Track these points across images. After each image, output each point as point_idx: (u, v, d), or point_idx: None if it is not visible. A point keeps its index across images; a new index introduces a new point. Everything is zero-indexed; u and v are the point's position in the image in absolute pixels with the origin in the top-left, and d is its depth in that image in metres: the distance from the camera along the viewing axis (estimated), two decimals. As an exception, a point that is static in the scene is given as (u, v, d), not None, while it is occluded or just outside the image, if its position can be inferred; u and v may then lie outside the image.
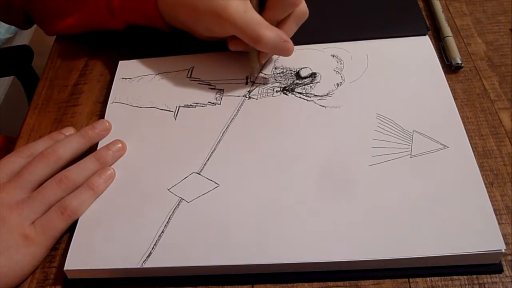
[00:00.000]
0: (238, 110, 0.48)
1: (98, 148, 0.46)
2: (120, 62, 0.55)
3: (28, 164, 0.43)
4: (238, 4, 0.45)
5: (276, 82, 0.50)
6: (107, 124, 0.48)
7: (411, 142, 0.43)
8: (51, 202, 0.42)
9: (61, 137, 0.47)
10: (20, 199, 0.41)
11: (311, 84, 0.50)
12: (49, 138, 0.47)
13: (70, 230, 0.42)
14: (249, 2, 0.46)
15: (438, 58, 0.50)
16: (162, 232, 0.40)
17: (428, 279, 0.37)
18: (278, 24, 0.48)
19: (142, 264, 0.38)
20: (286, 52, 0.48)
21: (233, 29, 0.46)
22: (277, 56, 0.53)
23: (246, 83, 0.51)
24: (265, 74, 0.51)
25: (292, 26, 0.49)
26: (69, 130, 0.48)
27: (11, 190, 0.42)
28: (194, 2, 0.47)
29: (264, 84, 0.50)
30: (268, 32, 0.45)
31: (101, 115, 0.50)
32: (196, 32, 0.51)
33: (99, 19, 0.54)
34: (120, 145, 0.46)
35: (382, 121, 0.45)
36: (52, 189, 0.42)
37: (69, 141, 0.45)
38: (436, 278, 0.37)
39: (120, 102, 0.51)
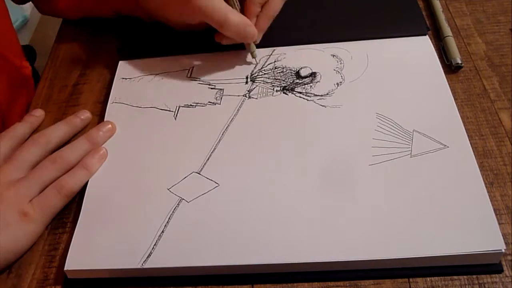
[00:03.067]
0: (238, 110, 0.48)
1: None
2: (120, 62, 0.55)
3: (24, 147, 0.45)
4: None
5: (276, 82, 0.50)
6: (111, 125, 0.49)
7: (411, 142, 0.43)
8: (47, 181, 0.43)
9: (77, 121, 0.50)
10: (16, 179, 0.43)
11: (311, 84, 0.50)
12: (65, 124, 0.49)
13: (70, 230, 0.43)
14: None
15: (438, 58, 0.50)
16: (162, 232, 0.40)
17: (428, 279, 0.37)
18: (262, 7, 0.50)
19: (142, 265, 0.38)
20: (250, 38, 0.49)
21: (201, 15, 0.47)
22: (278, 56, 0.53)
23: (246, 82, 0.51)
24: (265, 74, 0.51)
25: (277, 2, 0.50)
26: (85, 113, 0.51)
27: (7, 171, 0.43)
28: None
29: (264, 83, 0.50)
30: (233, 15, 0.47)
31: (101, 115, 0.50)
32: (169, 20, 0.53)
33: (86, 5, 0.56)
34: (110, 126, 0.48)
35: (382, 120, 0.45)
36: (47, 168, 0.44)
37: (74, 145, 0.47)
38: (436, 278, 0.37)
39: (120, 102, 0.51)
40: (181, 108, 0.49)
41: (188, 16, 0.50)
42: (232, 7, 0.49)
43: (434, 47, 0.51)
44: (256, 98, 0.49)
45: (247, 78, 0.51)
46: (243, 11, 0.50)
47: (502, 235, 0.37)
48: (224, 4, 0.48)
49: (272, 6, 0.50)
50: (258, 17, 0.50)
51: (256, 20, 0.50)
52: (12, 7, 0.60)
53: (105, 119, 0.49)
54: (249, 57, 0.52)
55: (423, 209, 0.39)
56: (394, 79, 0.49)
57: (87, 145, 0.46)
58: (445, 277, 0.37)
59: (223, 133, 0.47)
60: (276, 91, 0.50)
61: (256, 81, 0.51)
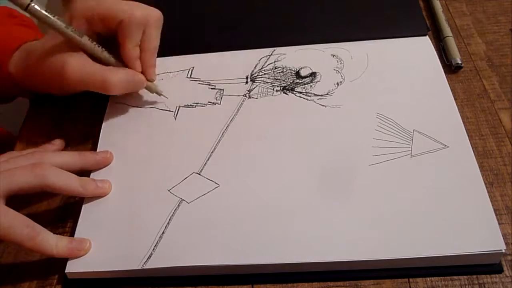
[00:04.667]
0: (238, 110, 0.48)
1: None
2: (120, 62, 0.55)
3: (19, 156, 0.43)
4: (76, 61, 0.45)
5: (276, 82, 0.50)
6: (109, 155, 0.46)
7: (411, 142, 0.43)
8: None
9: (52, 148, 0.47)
10: None
11: (311, 84, 0.50)
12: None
13: (70, 230, 0.43)
14: (84, 55, 0.46)
15: (438, 58, 0.50)
16: (163, 233, 0.40)
17: (428, 279, 0.37)
18: (141, 41, 0.47)
19: (142, 266, 0.38)
20: (139, 85, 0.48)
21: (81, 85, 0.46)
22: (278, 56, 0.53)
23: (246, 82, 0.51)
24: (265, 74, 0.51)
25: (155, 33, 0.48)
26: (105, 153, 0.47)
27: None
28: (37, 67, 0.46)
29: (264, 83, 0.50)
30: (115, 74, 0.46)
31: (101, 115, 0.50)
32: (53, 92, 0.51)
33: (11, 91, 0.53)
34: (107, 154, 0.46)
35: (382, 120, 0.45)
36: (21, 160, 0.42)
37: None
38: (436, 278, 0.37)
39: (120, 102, 0.51)
40: (181, 108, 0.49)
41: (69, 89, 0.48)
42: (101, 58, 0.47)
43: (434, 47, 0.51)
44: (256, 98, 0.49)
45: (247, 78, 0.51)
46: (118, 55, 0.48)
47: (502, 235, 0.37)
48: (98, 66, 0.46)
49: (150, 40, 0.47)
50: (141, 57, 0.48)
51: (139, 61, 0.48)
52: (12, 7, 0.60)
53: (105, 119, 0.49)
54: (244, 59, 0.52)
55: (423, 209, 0.39)
56: (394, 79, 0.49)
57: (76, 159, 0.44)
58: (445, 277, 0.37)
59: (223, 133, 0.47)
60: (276, 91, 0.50)
61: (256, 81, 0.51)
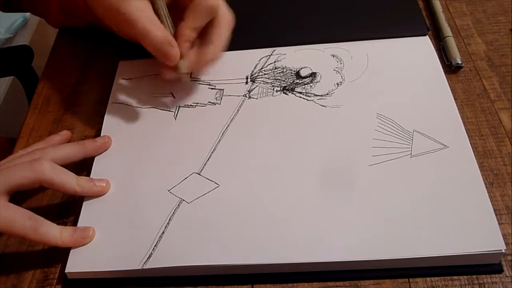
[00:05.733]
0: (238, 110, 0.48)
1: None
2: (120, 62, 0.55)
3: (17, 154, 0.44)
4: (139, 4, 0.45)
5: (276, 82, 0.50)
6: (107, 139, 0.47)
7: (411, 142, 0.43)
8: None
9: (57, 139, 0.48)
10: None
11: (311, 84, 0.50)
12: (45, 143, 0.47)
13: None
14: (150, 6, 0.46)
15: (438, 58, 0.50)
16: (163, 233, 0.40)
17: (428, 279, 0.37)
18: (210, 36, 0.47)
19: (142, 266, 0.38)
20: (167, 58, 0.46)
21: (127, 23, 0.45)
22: (278, 56, 0.53)
23: (246, 83, 0.51)
24: (265, 74, 0.51)
25: (225, 32, 0.47)
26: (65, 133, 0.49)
27: None
28: (109, 6, 0.46)
29: (264, 83, 0.50)
30: (157, 31, 0.45)
31: (101, 115, 0.50)
32: (110, 26, 0.50)
33: (65, 20, 0.55)
34: (105, 139, 0.47)
35: (382, 120, 0.45)
36: (22, 157, 0.43)
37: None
38: (436, 278, 0.37)
39: (120, 102, 0.51)
40: (181, 108, 0.49)
41: (119, 25, 0.47)
42: (163, 23, 0.46)
43: (434, 47, 0.51)
44: (256, 98, 0.49)
45: (247, 78, 0.51)
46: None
47: (502, 235, 0.37)
48: (153, 18, 0.45)
49: (212, 35, 0.47)
50: (197, 46, 0.47)
51: (191, 47, 0.47)
52: (12, 7, 0.60)
53: (105, 119, 0.49)
54: (244, 59, 0.52)
55: (423, 209, 0.39)
56: (394, 79, 0.49)
57: (76, 149, 0.45)
58: (445, 277, 0.37)
59: (223, 133, 0.47)
60: (276, 91, 0.50)
61: (256, 81, 0.51)
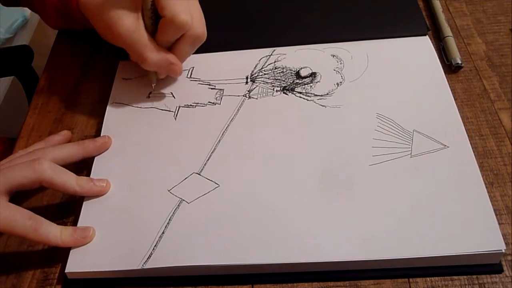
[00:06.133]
0: (238, 110, 0.48)
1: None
2: (120, 62, 0.55)
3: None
4: (129, 22, 0.45)
5: (276, 82, 0.50)
6: (107, 139, 0.47)
7: (411, 142, 0.43)
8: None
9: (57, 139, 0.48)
10: None
11: (311, 84, 0.50)
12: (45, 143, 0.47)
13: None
14: (141, 20, 0.46)
15: (438, 58, 0.50)
16: (163, 233, 0.40)
17: (428, 279, 0.37)
18: (173, 45, 0.48)
19: (142, 266, 0.38)
20: (173, 74, 0.49)
21: (121, 44, 0.47)
22: (278, 56, 0.53)
23: (246, 83, 0.51)
24: (265, 74, 0.51)
25: (186, 48, 0.48)
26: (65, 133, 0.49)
27: None
28: (95, 9, 0.47)
29: (264, 83, 0.50)
30: (152, 54, 0.46)
31: (101, 115, 0.50)
32: (103, 37, 0.50)
33: (61, 22, 0.55)
34: (105, 139, 0.47)
35: (382, 120, 0.45)
36: (23, 157, 0.43)
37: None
38: (436, 278, 0.37)
39: (120, 102, 0.51)
40: (181, 108, 0.49)
41: (115, 41, 0.48)
42: (146, 21, 0.46)
43: (434, 47, 0.51)
44: (256, 98, 0.49)
45: (247, 78, 0.51)
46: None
47: (502, 235, 0.37)
48: (144, 37, 0.46)
49: (180, 51, 0.48)
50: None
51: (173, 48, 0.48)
52: (12, 7, 0.60)
53: (105, 119, 0.49)
54: (244, 59, 0.52)
55: (423, 209, 0.39)
56: (394, 79, 0.49)
57: (76, 149, 0.45)
58: (445, 277, 0.37)
59: (223, 133, 0.47)
60: (276, 91, 0.50)
61: (256, 81, 0.51)
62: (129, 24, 0.46)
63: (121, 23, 0.45)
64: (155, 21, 0.47)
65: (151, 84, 0.51)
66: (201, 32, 0.48)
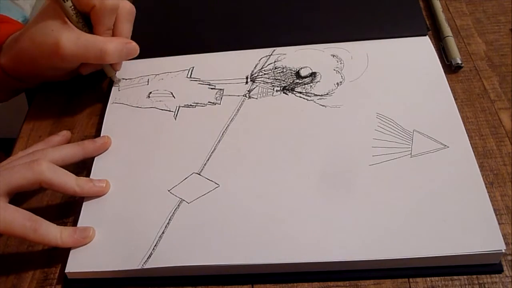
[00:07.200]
0: (238, 110, 0.48)
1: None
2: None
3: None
4: (67, 36, 0.46)
5: (276, 82, 0.50)
6: (106, 139, 0.47)
7: (411, 142, 0.43)
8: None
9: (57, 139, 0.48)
10: None
11: (311, 84, 0.50)
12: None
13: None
14: (76, 29, 0.47)
15: (438, 58, 0.50)
16: (163, 233, 0.40)
17: (428, 279, 0.37)
18: (113, 31, 0.49)
19: (142, 265, 0.38)
20: (134, 52, 0.49)
21: (76, 59, 0.47)
22: (278, 56, 0.53)
23: (246, 82, 0.51)
24: (265, 74, 0.51)
25: (126, 26, 0.50)
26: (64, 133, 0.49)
27: None
28: (29, 52, 0.47)
29: (264, 83, 0.50)
30: (108, 44, 0.47)
31: (101, 115, 0.50)
32: (47, 76, 0.51)
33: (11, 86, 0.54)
34: (105, 139, 0.47)
35: (382, 120, 0.45)
36: (23, 158, 0.43)
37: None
38: (436, 278, 0.37)
39: (120, 103, 0.51)
40: (181, 108, 0.49)
41: (65, 65, 0.48)
42: (77, 26, 0.47)
43: (434, 47, 0.51)
44: (256, 98, 0.49)
45: (247, 78, 0.51)
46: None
47: (502, 235, 0.37)
48: (92, 36, 0.47)
49: (120, 31, 0.49)
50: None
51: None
52: (12, 7, 0.60)
53: (105, 119, 0.49)
54: (244, 59, 0.52)
55: (423, 209, 0.39)
56: (394, 79, 0.49)
57: (76, 149, 0.45)
58: (445, 277, 0.37)
59: (223, 133, 0.47)
60: (276, 91, 0.50)
61: (256, 81, 0.51)
62: (70, 37, 0.46)
63: (63, 41, 0.45)
64: (84, 22, 0.47)
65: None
66: (130, 6, 0.50)
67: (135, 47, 0.49)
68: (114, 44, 0.47)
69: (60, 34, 0.46)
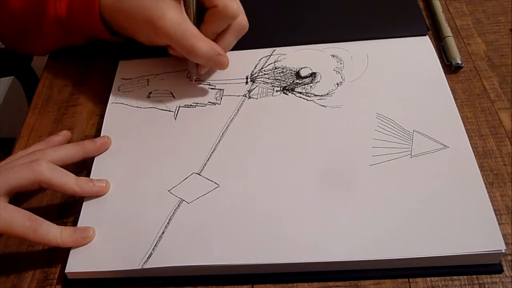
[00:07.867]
0: (238, 110, 0.48)
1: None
2: (120, 62, 0.55)
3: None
4: (174, 16, 0.46)
5: (276, 82, 0.50)
6: (106, 139, 0.47)
7: (411, 142, 0.43)
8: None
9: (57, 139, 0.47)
10: None
11: (311, 84, 0.50)
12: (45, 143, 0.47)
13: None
14: (185, 14, 0.47)
15: (438, 58, 0.50)
16: (163, 233, 0.40)
17: (428, 279, 0.37)
18: (217, 36, 0.49)
19: (142, 265, 0.38)
20: (220, 66, 0.49)
21: (168, 39, 0.47)
22: (278, 56, 0.53)
23: (246, 83, 0.51)
24: (265, 74, 0.51)
25: (231, 39, 0.50)
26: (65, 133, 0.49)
27: None
28: (132, 11, 0.47)
29: (264, 84, 0.50)
30: (202, 44, 0.46)
31: (101, 115, 0.50)
32: (138, 39, 0.51)
33: (60, 38, 0.54)
34: (105, 139, 0.47)
35: (382, 121, 0.45)
36: (23, 158, 0.43)
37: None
38: (436, 278, 0.37)
39: (120, 103, 0.51)
40: (181, 108, 0.49)
41: (156, 40, 0.48)
42: (188, 13, 0.47)
43: (434, 47, 0.51)
44: (256, 98, 0.49)
45: (247, 78, 0.51)
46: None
47: (502, 235, 0.37)
48: (192, 29, 0.46)
49: (224, 41, 0.49)
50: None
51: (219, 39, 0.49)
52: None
53: (105, 119, 0.49)
54: (244, 59, 0.52)
55: (423, 209, 0.39)
56: (394, 79, 0.49)
57: (75, 149, 0.45)
58: (445, 277, 0.37)
59: (223, 133, 0.47)
60: (276, 91, 0.50)
61: (256, 81, 0.51)
62: (175, 17, 0.46)
63: (167, 17, 0.45)
64: (197, 13, 0.47)
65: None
66: (245, 22, 0.49)
67: (225, 61, 0.48)
68: (207, 49, 0.47)
69: (167, 10, 0.45)
